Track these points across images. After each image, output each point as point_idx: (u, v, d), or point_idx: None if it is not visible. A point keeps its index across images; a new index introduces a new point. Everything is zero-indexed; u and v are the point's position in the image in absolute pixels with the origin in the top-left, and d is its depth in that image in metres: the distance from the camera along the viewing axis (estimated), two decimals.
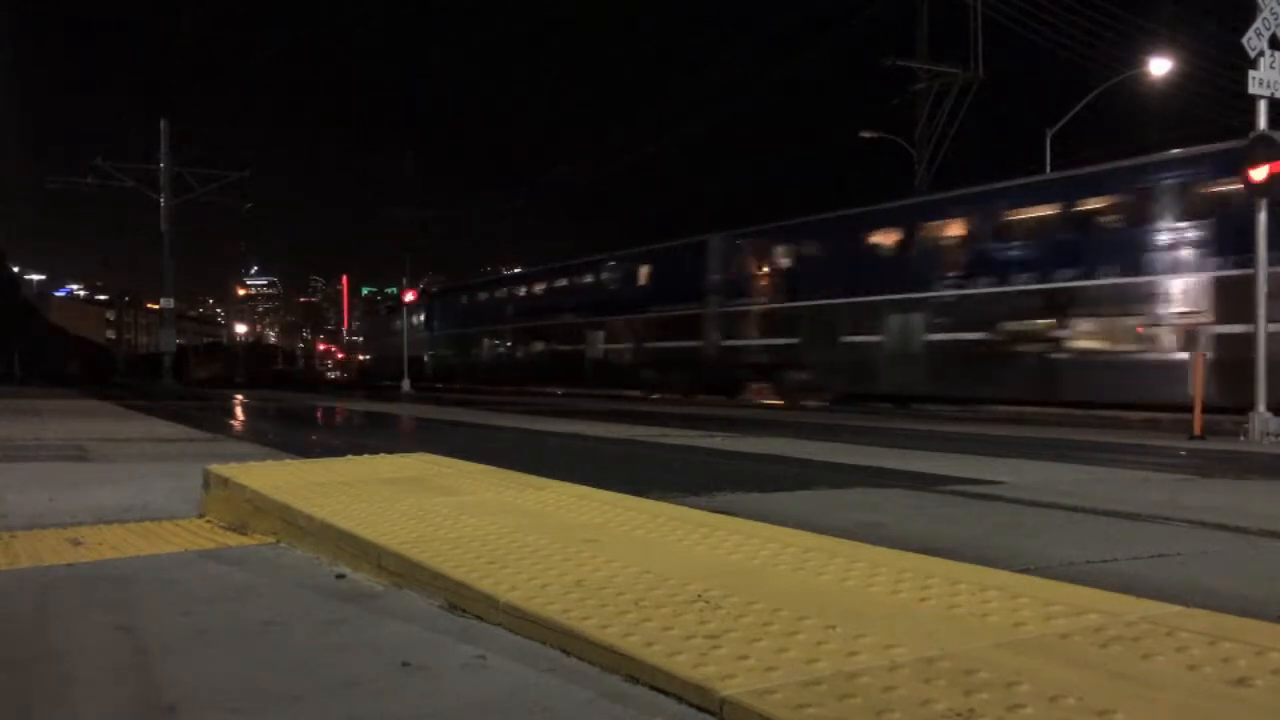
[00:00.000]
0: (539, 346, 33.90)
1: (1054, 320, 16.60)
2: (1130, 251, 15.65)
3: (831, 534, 3.12)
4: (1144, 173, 15.90)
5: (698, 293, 25.30)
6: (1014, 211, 17.90)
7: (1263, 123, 11.05)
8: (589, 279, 31.55)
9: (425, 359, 42.11)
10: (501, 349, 37.35)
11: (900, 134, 30.37)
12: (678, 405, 20.98)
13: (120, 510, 4.21)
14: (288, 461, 4.99)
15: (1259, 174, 10.83)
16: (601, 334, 30.05)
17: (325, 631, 2.29)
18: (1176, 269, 15.14)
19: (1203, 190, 15.01)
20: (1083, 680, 1.64)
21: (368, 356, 52.69)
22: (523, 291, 36.69)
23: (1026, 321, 16.98)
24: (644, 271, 28.54)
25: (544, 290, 35.00)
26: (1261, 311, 10.93)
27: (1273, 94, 10.94)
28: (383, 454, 5.42)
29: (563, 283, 33.52)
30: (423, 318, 43.79)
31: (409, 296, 40.36)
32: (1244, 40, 10.81)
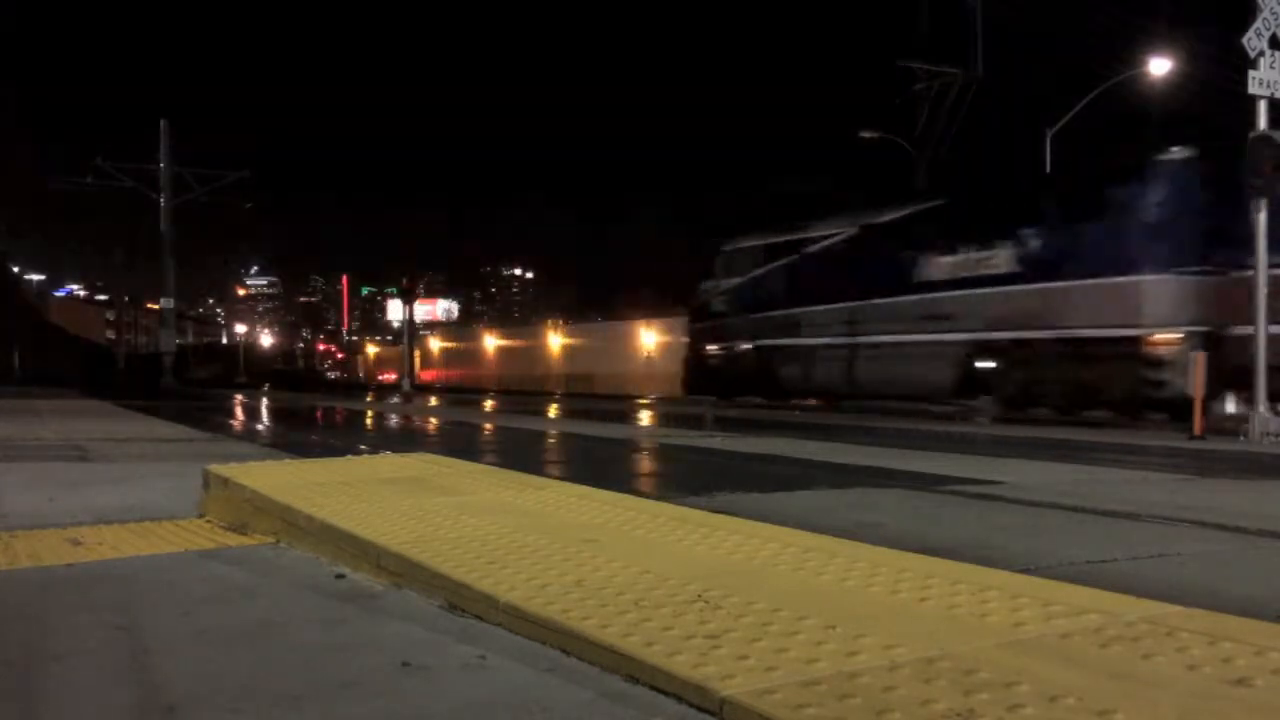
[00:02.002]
0: None
1: None
2: None
3: (831, 534, 3.12)
4: None
5: None
6: None
7: (1263, 123, 11.03)
8: None
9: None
10: None
11: (900, 134, 30.33)
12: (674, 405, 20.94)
13: (120, 510, 4.21)
14: (287, 461, 4.99)
15: (1259, 174, 10.82)
16: None
17: (325, 631, 2.29)
18: None
19: None
20: (1083, 680, 1.64)
21: (723, 347, 21.26)
22: None
23: None
24: None
25: None
26: (1262, 312, 10.92)
27: (1273, 94, 10.93)
28: (383, 453, 5.42)
29: None
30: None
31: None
32: (1244, 40, 10.80)
